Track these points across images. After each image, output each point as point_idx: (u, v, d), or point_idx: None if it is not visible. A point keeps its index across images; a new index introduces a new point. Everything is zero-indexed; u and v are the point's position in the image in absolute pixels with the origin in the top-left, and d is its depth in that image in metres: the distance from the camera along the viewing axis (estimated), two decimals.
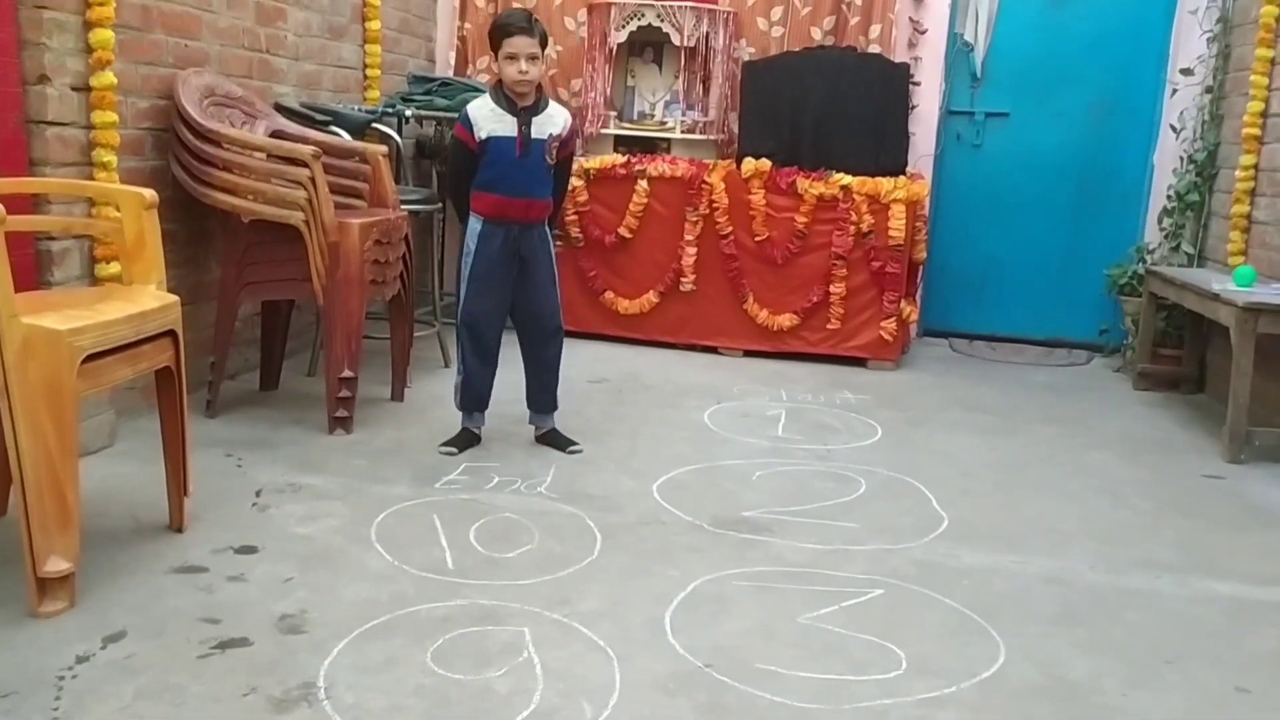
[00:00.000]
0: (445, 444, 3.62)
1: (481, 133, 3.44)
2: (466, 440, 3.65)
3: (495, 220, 3.50)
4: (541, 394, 3.73)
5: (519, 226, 3.51)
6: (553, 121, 3.51)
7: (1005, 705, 2.22)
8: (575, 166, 5.21)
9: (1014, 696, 2.25)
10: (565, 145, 3.59)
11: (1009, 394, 4.90)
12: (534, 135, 3.45)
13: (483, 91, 5.07)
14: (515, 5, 5.68)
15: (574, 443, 3.71)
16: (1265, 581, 2.92)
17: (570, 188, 3.87)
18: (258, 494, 3.14)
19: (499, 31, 3.44)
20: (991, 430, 4.28)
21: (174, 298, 2.72)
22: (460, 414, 3.71)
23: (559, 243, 3.73)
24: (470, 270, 3.54)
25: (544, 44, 3.46)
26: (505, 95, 3.45)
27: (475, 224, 3.54)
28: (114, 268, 3.35)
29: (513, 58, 3.40)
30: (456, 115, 4.88)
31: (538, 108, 3.49)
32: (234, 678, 2.14)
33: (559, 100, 5.61)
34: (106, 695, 2.05)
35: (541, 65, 3.47)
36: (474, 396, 3.67)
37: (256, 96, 4.12)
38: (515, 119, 3.44)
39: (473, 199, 3.53)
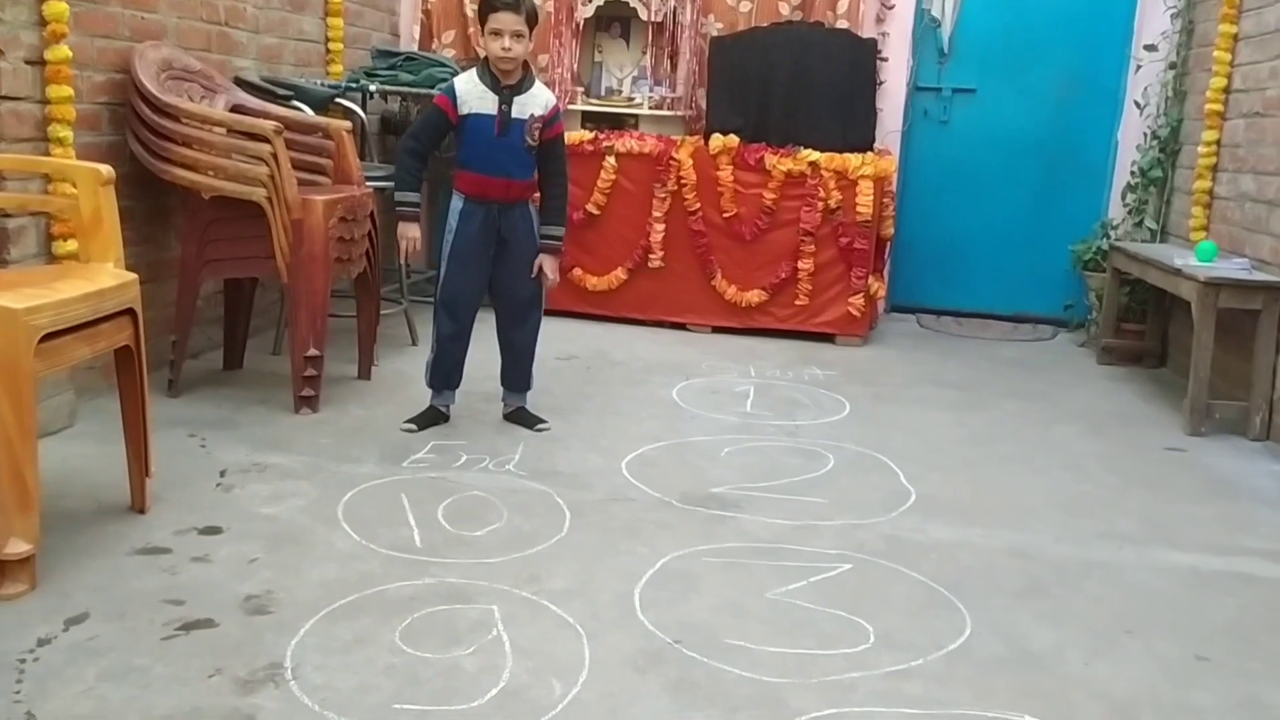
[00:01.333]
0: (408, 421, 3.59)
1: (464, 108, 3.40)
2: (431, 418, 3.62)
3: (476, 199, 3.47)
4: (516, 373, 3.71)
5: (499, 206, 3.47)
6: (535, 101, 3.45)
7: (971, 676, 2.24)
8: None
9: (979, 668, 2.28)
10: (549, 128, 3.49)
11: (975, 369, 4.94)
12: (514, 115, 3.40)
13: (448, 66, 5.05)
14: None
15: (542, 420, 3.69)
16: (1225, 552, 2.97)
17: (565, 185, 3.66)
18: (222, 474, 3.11)
19: (485, 6, 3.39)
20: (958, 405, 4.31)
21: (132, 275, 2.67)
22: (430, 392, 3.67)
23: (548, 280, 3.62)
24: (450, 248, 3.51)
25: (532, 22, 3.39)
26: (490, 72, 3.40)
27: (457, 201, 3.51)
28: (71, 245, 3.28)
29: (497, 34, 3.33)
30: (421, 91, 4.88)
31: (521, 87, 3.43)
32: (199, 659, 2.12)
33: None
34: (69, 678, 2.03)
35: (528, 43, 3.39)
36: (444, 374, 3.63)
37: (216, 70, 4.05)
38: (497, 98, 3.39)
39: (455, 177, 3.50)
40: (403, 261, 3.86)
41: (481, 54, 3.46)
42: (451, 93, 3.42)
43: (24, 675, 2.03)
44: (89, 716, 1.91)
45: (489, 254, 3.52)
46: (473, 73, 3.47)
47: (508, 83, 3.41)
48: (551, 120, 3.50)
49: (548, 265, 3.58)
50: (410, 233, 3.50)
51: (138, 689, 2.01)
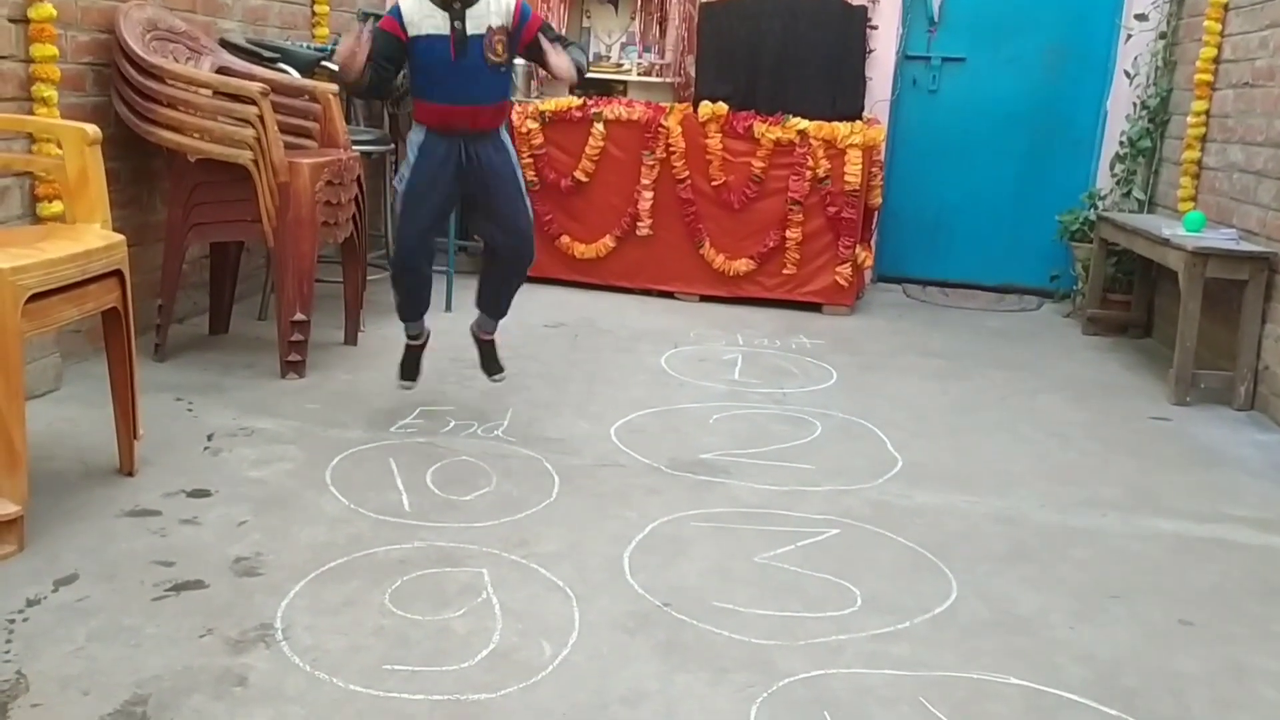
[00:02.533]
0: (402, 380, 3.45)
1: (412, 29, 3.03)
2: (416, 363, 3.45)
3: (438, 131, 3.11)
4: (496, 301, 3.42)
5: (465, 138, 3.11)
6: (491, 11, 3.05)
7: (956, 639, 2.26)
8: (529, 109, 5.16)
9: (965, 631, 2.30)
10: (521, 31, 3.11)
11: (961, 339, 4.96)
12: (470, 31, 3.03)
13: None
14: None
15: (500, 371, 3.50)
16: (1207, 519, 3.00)
17: (580, 51, 3.26)
18: (209, 438, 3.10)
19: None
20: (944, 374, 4.33)
21: (119, 237, 2.65)
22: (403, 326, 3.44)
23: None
24: (406, 185, 3.16)
25: None
26: None
27: (416, 134, 3.14)
28: (56, 206, 3.25)
29: None
30: None
31: None
32: (189, 620, 2.13)
33: None
34: (59, 638, 2.03)
35: None
36: (412, 308, 3.36)
37: (201, 32, 4.00)
38: (447, 14, 3.02)
39: (415, 107, 3.17)
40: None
41: None
42: (397, 13, 3.05)
43: (13, 635, 2.03)
44: (80, 676, 1.92)
45: (451, 195, 3.20)
46: None
47: None
48: (520, 23, 3.11)
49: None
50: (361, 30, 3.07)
51: (128, 649, 2.01)
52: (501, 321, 3.50)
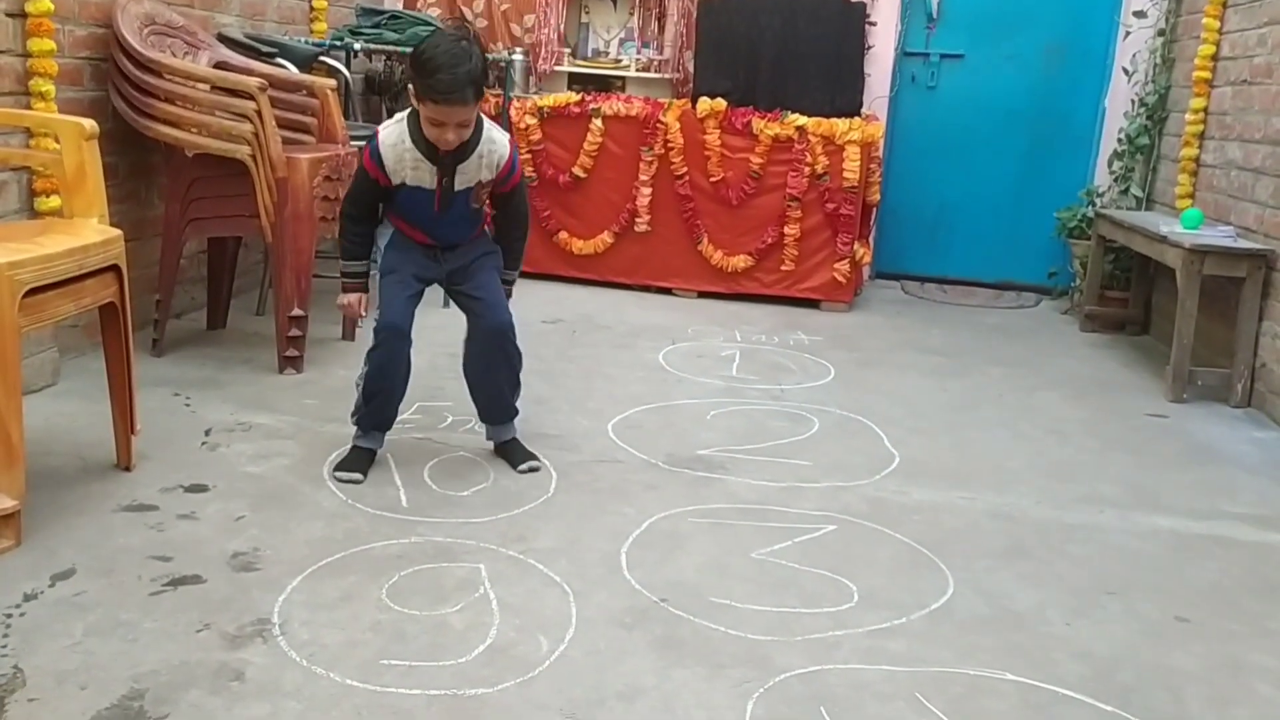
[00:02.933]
0: (343, 468, 2.86)
1: (395, 178, 2.75)
2: (367, 460, 2.91)
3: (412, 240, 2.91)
4: (490, 404, 3.04)
5: (440, 247, 2.92)
6: (484, 165, 2.78)
7: (953, 635, 2.26)
8: (527, 105, 5.15)
9: (961, 627, 2.30)
10: (504, 183, 2.86)
11: (959, 335, 4.96)
12: (458, 187, 2.78)
13: (431, 24, 4.98)
14: None
15: (532, 460, 3.00)
16: (1205, 516, 3.00)
17: (526, 227, 3.04)
18: (207, 433, 3.10)
19: (425, 83, 2.59)
20: (942, 371, 4.33)
21: (117, 231, 2.65)
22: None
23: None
24: (380, 266, 2.89)
25: (481, 94, 2.66)
26: (425, 138, 2.69)
27: (388, 229, 2.91)
28: (54, 201, 3.25)
29: (438, 125, 2.63)
30: (406, 49, 4.82)
31: (465, 151, 2.73)
32: (187, 614, 2.12)
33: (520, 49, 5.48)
34: (56, 633, 2.03)
35: (477, 110, 2.70)
36: (377, 418, 2.92)
37: (199, 26, 3.99)
38: (435, 169, 2.73)
39: (389, 213, 2.90)
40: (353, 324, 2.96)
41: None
42: (377, 156, 2.73)
43: (10, 630, 2.03)
44: (77, 670, 1.91)
45: (430, 266, 2.91)
46: (403, 129, 2.73)
47: (448, 149, 2.71)
48: (505, 177, 2.84)
49: None
50: (349, 299, 2.93)
51: (125, 643, 2.01)
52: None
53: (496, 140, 2.80)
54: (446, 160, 2.72)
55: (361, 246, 2.90)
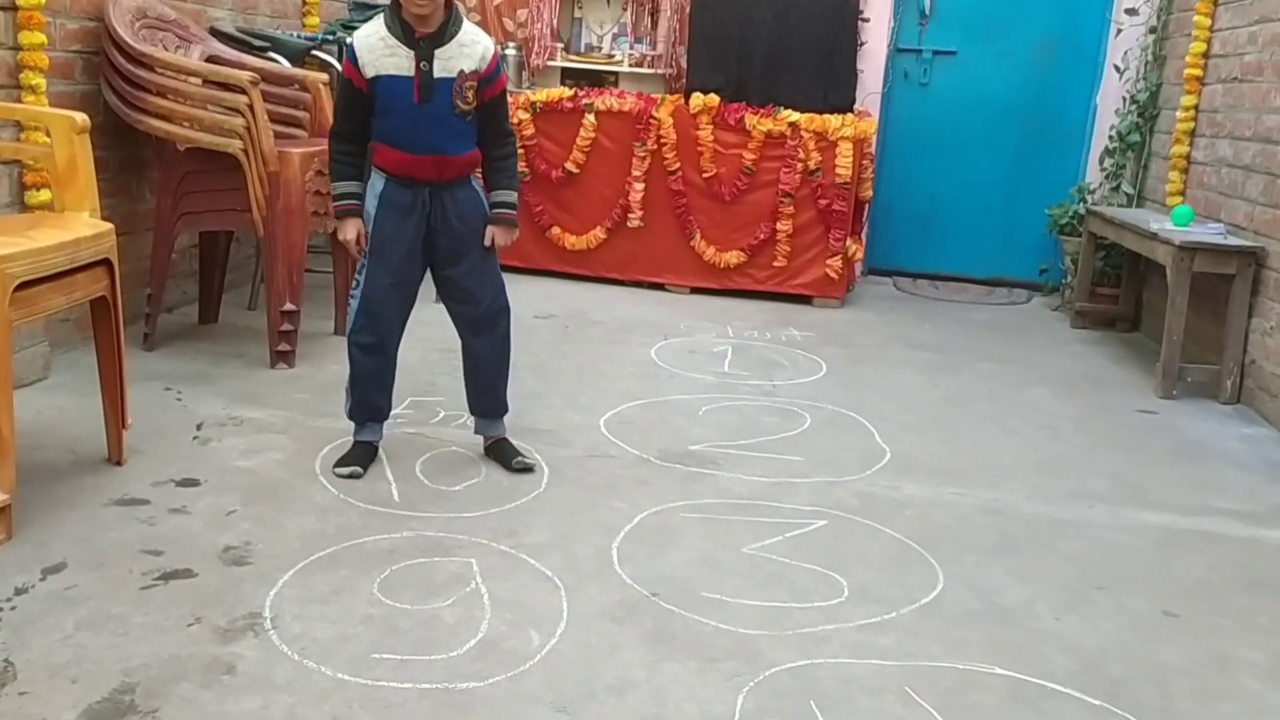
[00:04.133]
0: (342, 463, 2.86)
1: (369, 69, 2.65)
2: (367, 455, 2.91)
3: (400, 180, 2.75)
4: (483, 394, 3.01)
5: (430, 189, 2.76)
6: (465, 54, 2.68)
7: (943, 629, 2.27)
8: (520, 99, 5.15)
9: (951, 621, 2.31)
10: (488, 85, 2.74)
11: (951, 332, 4.97)
12: (438, 74, 2.65)
13: None
14: None
15: (522, 456, 2.97)
16: (1193, 512, 3.02)
17: (513, 145, 2.90)
18: (198, 427, 3.10)
19: None
20: (933, 367, 4.34)
21: (108, 225, 2.65)
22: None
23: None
24: (370, 240, 2.79)
25: None
26: (401, 20, 2.65)
27: (377, 181, 2.79)
28: (44, 195, 3.24)
29: None
30: None
31: (443, 36, 2.66)
32: (178, 608, 2.13)
33: (494, 29, 5.47)
34: (47, 626, 2.03)
35: None
36: (366, 406, 2.91)
37: (191, 20, 3.98)
38: (412, 53, 2.65)
39: (374, 151, 2.79)
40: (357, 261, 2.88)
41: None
42: (352, 54, 2.68)
43: (1, 623, 2.03)
44: (68, 664, 1.92)
45: (419, 250, 2.81)
46: (379, 22, 2.68)
47: (424, 31, 2.64)
48: (490, 76, 2.73)
49: (500, 237, 2.85)
50: (348, 231, 2.79)
51: (116, 637, 2.01)
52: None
53: (479, 35, 2.75)
54: (424, 44, 2.64)
55: (350, 166, 2.80)
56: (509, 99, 2.86)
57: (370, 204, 2.79)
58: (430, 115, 2.68)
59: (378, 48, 2.65)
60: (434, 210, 2.78)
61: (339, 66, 4.79)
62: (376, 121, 2.73)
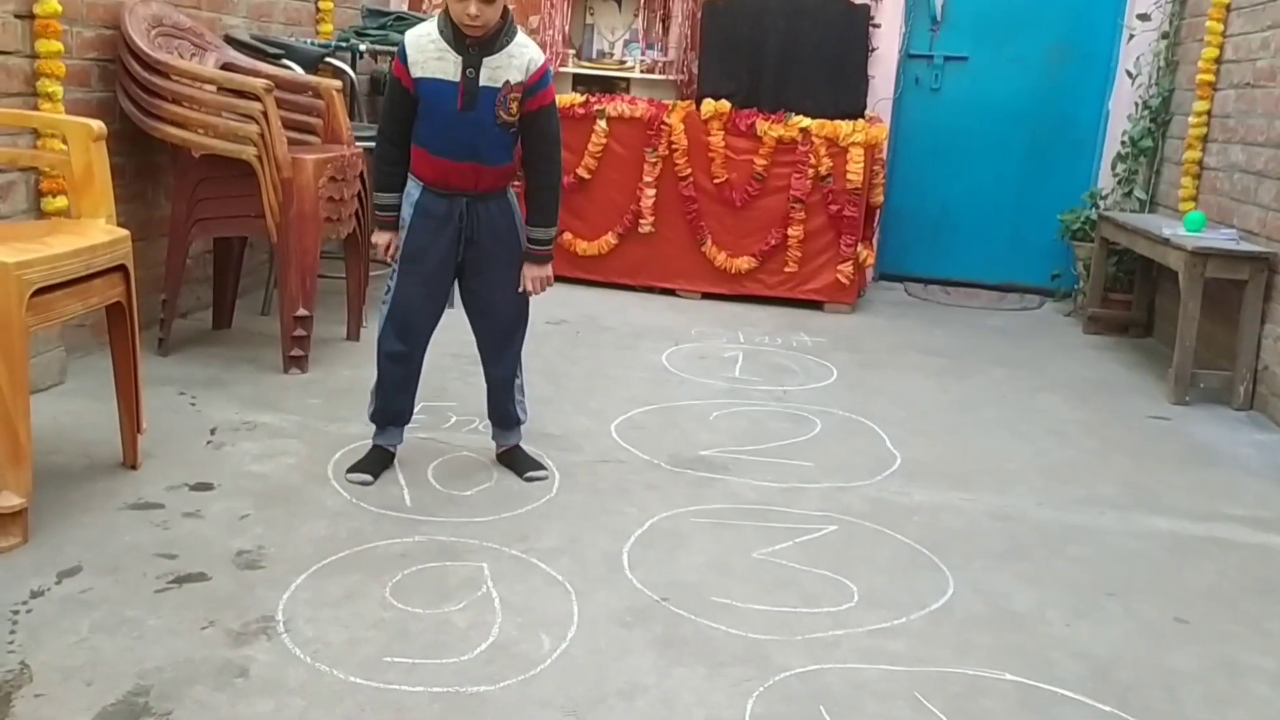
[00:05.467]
0: (355, 470, 2.88)
1: (416, 69, 2.64)
2: (380, 462, 2.92)
3: (436, 188, 2.74)
4: (500, 404, 3.01)
5: (466, 199, 2.73)
6: (512, 64, 2.64)
7: (953, 635, 2.27)
8: None
9: (961, 626, 2.32)
10: (532, 96, 2.69)
11: (962, 337, 4.97)
12: (483, 83, 2.63)
13: None
14: None
15: (538, 466, 2.99)
16: (1204, 518, 3.01)
17: (556, 173, 2.84)
18: (212, 432, 3.12)
19: None
20: (944, 372, 4.34)
21: (124, 232, 2.67)
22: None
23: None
24: (403, 249, 2.79)
25: None
26: (453, 24, 2.62)
27: (412, 189, 2.76)
28: (60, 202, 3.28)
29: None
30: None
31: (493, 45, 2.63)
32: (192, 612, 2.14)
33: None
34: (62, 629, 2.05)
35: (502, 2, 2.62)
36: (388, 410, 2.94)
37: (206, 28, 4.02)
38: (460, 59, 2.63)
39: (412, 158, 2.77)
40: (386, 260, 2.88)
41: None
42: (403, 52, 2.67)
43: (17, 626, 2.05)
44: (83, 666, 1.93)
45: (453, 260, 2.79)
46: (432, 24, 2.67)
47: (475, 38, 2.61)
48: (535, 86, 2.69)
49: (530, 276, 2.82)
50: (381, 240, 2.81)
51: (131, 640, 2.03)
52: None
53: (529, 45, 2.71)
54: (474, 51, 2.62)
55: (392, 177, 2.78)
56: (552, 94, 2.78)
57: (406, 212, 2.77)
58: (471, 123, 2.66)
59: (428, 49, 2.64)
60: (469, 222, 2.76)
61: (352, 74, 4.85)
62: (417, 124, 2.71)
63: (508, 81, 2.65)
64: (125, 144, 3.68)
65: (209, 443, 3.04)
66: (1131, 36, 5.54)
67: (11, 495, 2.31)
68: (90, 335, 3.56)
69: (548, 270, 2.86)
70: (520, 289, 2.84)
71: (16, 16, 3.17)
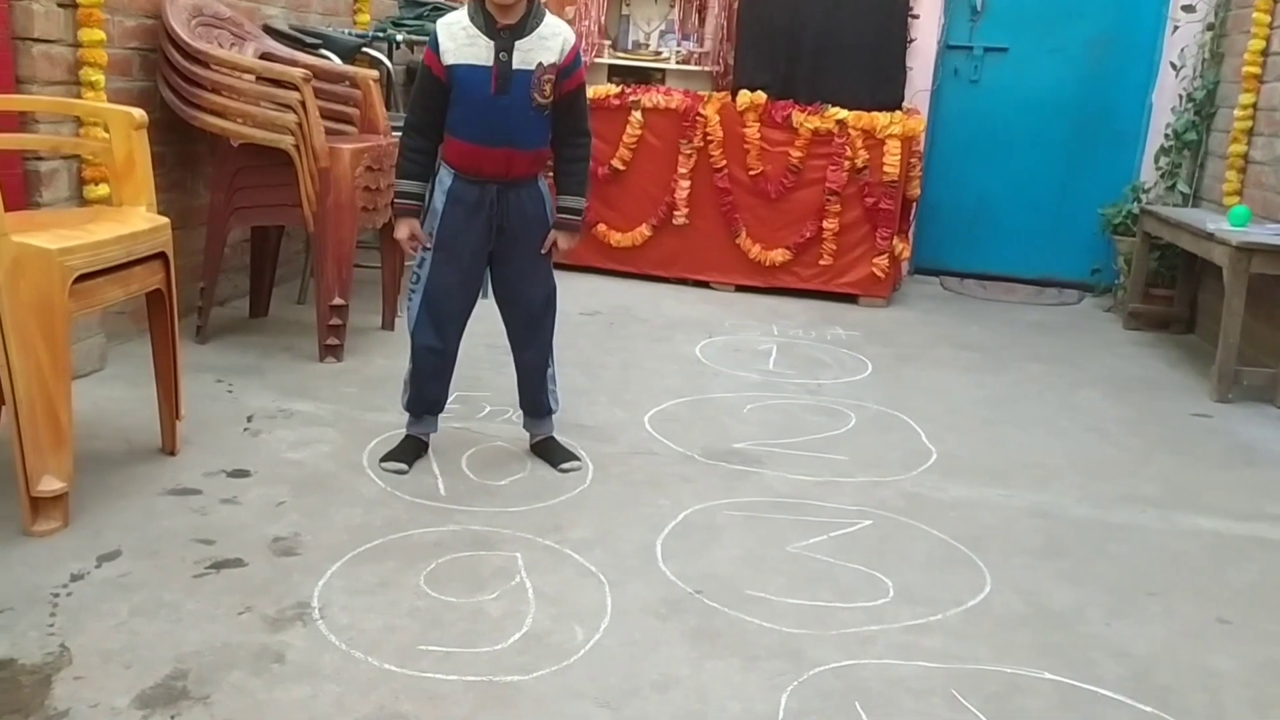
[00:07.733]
0: (389, 459, 2.90)
1: (448, 57, 2.63)
2: (414, 450, 2.94)
3: (468, 175, 2.73)
4: (531, 395, 3.02)
5: (498, 186, 2.73)
6: (545, 46, 2.65)
7: (990, 633, 2.25)
8: None
9: (998, 624, 2.29)
10: (566, 77, 2.70)
11: (998, 332, 4.92)
12: (516, 66, 2.63)
13: None
14: None
15: (573, 457, 2.99)
16: (1247, 517, 2.96)
17: (587, 147, 2.85)
18: (249, 419, 3.14)
19: None
20: (980, 367, 4.30)
21: (164, 220, 2.69)
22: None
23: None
24: (436, 236, 2.78)
25: None
26: (484, 10, 2.63)
27: (445, 176, 2.77)
28: (102, 189, 3.31)
29: None
30: None
31: (524, 28, 2.63)
32: (229, 597, 2.16)
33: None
34: (102, 612, 2.07)
35: None
36: (423, 397, 2.94)
37: (245, 18, 4.04)
38: (492, 43, 2.63)
39: (444, 145, 2.78)
40: (406, 262, 2.85)
41: None
42: (434, 40, 2.66)
43: (58, 609, 2.07)
44: (122, 650, 1.95)
45: (485, 247, 2.80)
46: (464, 11, 2.67)
47: (506, 22, 2.62)
48: (569, 68, 2.70)
49: (561, 242, 2.84)
50: (401, 230, 2.78)
51: (169, 624, 2.05)
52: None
53: (560, 26, 2.72)
54: (505, 35, 2.62)
55: (417, 165, 2.76)
56: (584, 76, 2.81)
57: (439, 199, 2.77)
58: (505, 107, 2.66)
59: (460, 36, 2.64)
60: (500, 209, 2.76)
61: (389, 64, 4.87)
62: (450, 111, 2.70)
63: (540, 64, 2.65)
64: (166, 133, 3.71)
65: (246, 430, 3.06)
66: (1176, 28, 5.46)
67: (53, 479, 2.33)
68: (130, 322, 3.59)
69: (576, 239, 2.88)
70: (545, 250, 2.84)
71: (60, 6, 3.20)
